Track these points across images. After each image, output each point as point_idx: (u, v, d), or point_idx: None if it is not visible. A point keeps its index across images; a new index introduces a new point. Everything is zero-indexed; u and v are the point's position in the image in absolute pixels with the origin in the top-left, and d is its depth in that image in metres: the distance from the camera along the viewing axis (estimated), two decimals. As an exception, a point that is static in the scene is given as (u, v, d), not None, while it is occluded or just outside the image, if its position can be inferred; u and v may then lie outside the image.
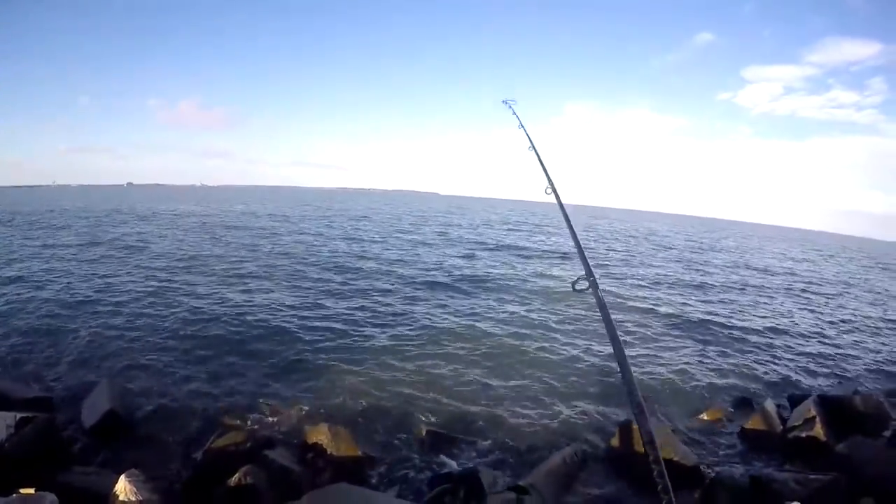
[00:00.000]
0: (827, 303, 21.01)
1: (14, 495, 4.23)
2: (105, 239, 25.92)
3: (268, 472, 5.80)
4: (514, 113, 5.35)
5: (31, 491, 4.33)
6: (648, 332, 13.85)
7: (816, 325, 16.91)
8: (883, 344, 15.59)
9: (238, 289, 15.80)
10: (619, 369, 2.00)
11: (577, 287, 2.50)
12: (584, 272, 2.59)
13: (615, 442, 7.62)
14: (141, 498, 4.76)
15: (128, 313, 12.88)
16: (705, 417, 9.28)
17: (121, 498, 4.75)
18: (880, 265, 46.89)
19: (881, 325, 18.29)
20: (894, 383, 11.95)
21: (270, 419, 7.89)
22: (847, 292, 24.80)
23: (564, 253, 25.57)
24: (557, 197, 3.78)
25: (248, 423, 7.69)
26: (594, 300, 2.42)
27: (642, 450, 5.64)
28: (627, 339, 12.75)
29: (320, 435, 6.80)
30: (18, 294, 14.29)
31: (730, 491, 6.33)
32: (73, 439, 6.96)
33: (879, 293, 25.95)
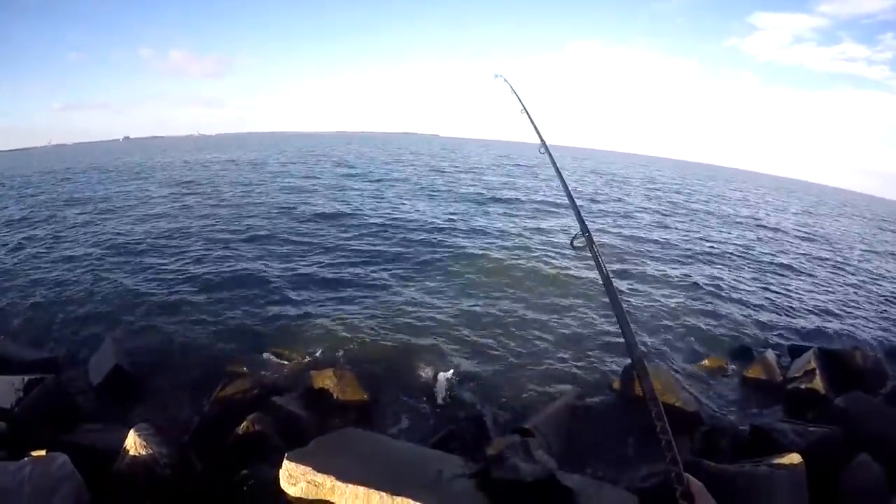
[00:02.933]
0: (829, 259, 20.85)
1: (25, 458, 4.24)
2: (97, 196, 25.27)
3: (275, 419, 5.90)
4: (506, 81, 5.74)
5: (43, 453, 4.35)
6: (648, 282, 13.88)
7: (818, 279, 16.96)
8: (884, 301, 15.67)
9: (236, 241, 15.51)
10: (618, 323, 1.99)
11: (576, 244, 2.55)
12: (580, 229, 2.63)
13: (617, 386, 7.84)
14: (151, 451, 4.79)
15: (128, 270, 12.79)
16: (707, 364, 9.43)
17: (131, 452, 4.78)
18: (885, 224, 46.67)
19: (882, 282, 18.34)
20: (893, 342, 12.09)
21: (276, 366, 8.03)
22: (851, 249, 24.57)
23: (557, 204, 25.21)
24: (551, 157, 3.83)
25: (255, 371, 7.77)
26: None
27: (638, 391, 5.73)
28: (626, 288, 12.78)
29: (326, 380, 6.92)
30: (17, 257, 14.24)
31: (730, 438, 6.48)
32: (82, 398, 7.01)
33: (881, 252, 25.89)
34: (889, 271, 20.36)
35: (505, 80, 5.78)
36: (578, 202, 3.32)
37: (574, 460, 6.05)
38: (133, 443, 4.83)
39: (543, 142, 4.28)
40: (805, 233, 27.07)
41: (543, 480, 5.09)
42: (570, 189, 3.21)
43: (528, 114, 4.95)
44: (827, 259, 20.66)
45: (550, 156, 3.93)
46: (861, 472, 5.45)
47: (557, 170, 3.71)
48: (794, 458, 5.15)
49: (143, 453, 4.77)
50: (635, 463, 6.18)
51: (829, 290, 15.77)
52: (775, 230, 26.08)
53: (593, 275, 12.94)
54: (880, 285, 17.61)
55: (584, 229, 2.52)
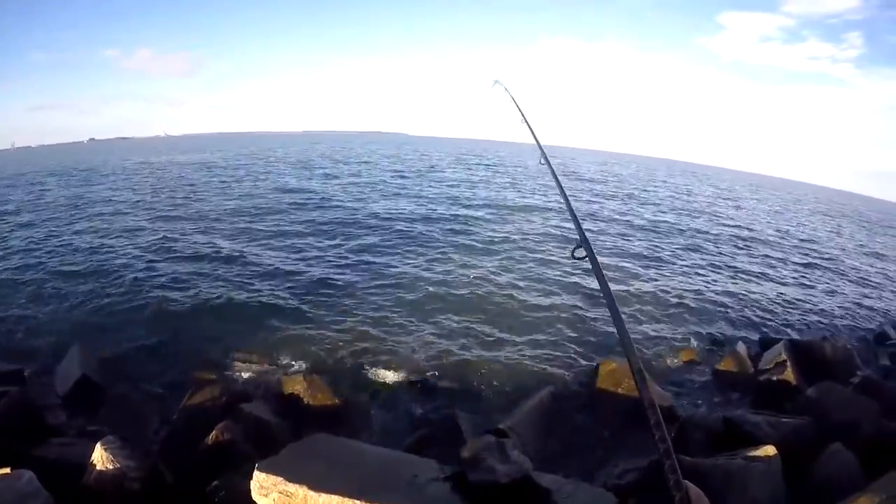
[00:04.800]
0: (797, 253, 21.14)
1: None
2: (56, 200, 24.21)
3: (245, 427, 5.71)
4: (506, 89, 5.62)
5: (7, 470, 4.16)
6: (621, 274, 13.97)
7: (787, 273, 17.26)
8: (852, 292, 16.05)
9: (201, 246, 14.85)
10: (618, 336, 1.91)
11: (577, 255, 2.51)
12: (580, 240, 2.57)
13: (593, 381, 7.73)
14: (119, 465, 4.64)
15: (92, 275, 12.35)
16: (680, 358, 9.50)
17: (98, 467, 4.63)
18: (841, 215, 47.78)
19: (850, 274, 18.79)
20: (862, 331, 12.33)
21: (246, 372, 7.81)
22: (820, 244, 24.97)
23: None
24: (551, 169, 3.76)
25: (224, 377, 7.56)
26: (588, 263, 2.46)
27: (618, 388, 5.75)
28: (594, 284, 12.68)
29: (296, 385, 6.73)
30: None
31: (703, 431, 6.49)
32: (48, 410, 6.65)
33: (848, 245, 26.42)
34: (856, 264, 20.87)
35: (505, 88, 5.66)
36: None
37: (551, 459, 6.00)
38: (100, 457, 4.68)
39: (543, 153, 4.19)
40: (776, 228, 27.47)
41: (519, 481, 5.03)
42: (569, 200, 3.14)
43: (528, 124, 4.84)
44: (796, 253, 21.05)
45: (550, 166, 3.88)
46: (834, 460, 5.50)
47: (557, 181, 3.62)
48: (769, 450, 5.16)
49: (111, 468, 4.62)
50: (612, 459, 6.16)
51: (798, 282, 16.14)
52: (746, 226, 26.44)
53: (567, 274, 12.97)
54: (848, 277, 18.03)
55: (584, 240, 2.50)
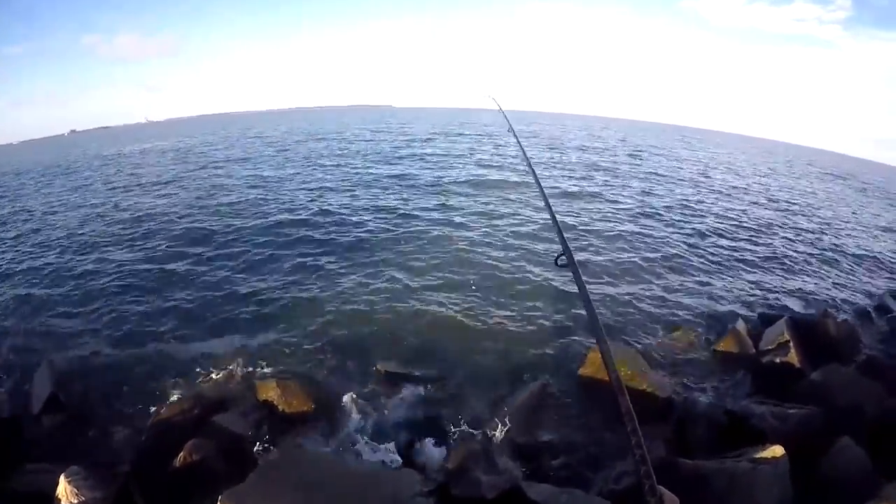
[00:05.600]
0: (788, 222, 20.62)
1: None
2: (25, 205, 21.95)
3: (216, 443, 5.34)
4: (497, 102, 7.14)
5: None
6: (611, 254, 13.41)
7: (783, 242, 16.77)
8: (849, 261, 15.69)
9: (168, 247, 13.77)
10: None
11: (560, 263, 2.59)
12: (563, 249, 2.64)
13: (583, 371, 7.41)
14: (84, 498, 4.47)
15: (52, 283, 11.67)
16: (676, 338, 9.10)
17: (63, 502, 4.48)
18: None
19: (846, 242, 18.37)
20: (861, 302, 12.00)
21: (217, 378, 7.32)
22: (814, 210, 24.30)
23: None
24: (536, 178, 3.82)
25: (195, 386, 7.13)
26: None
27: (607, 375, 5.40)
28: (588, 265, 12.12)
29: (269, 391, 6.39)
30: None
31: (706, 426, 6.17)
32: (18, 432, 6.30)
33: (838, 213, 25.94)
34: (851, 232, 20.41)
35: (496, 101, 7.26)
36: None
37: (541, 463, 5.65)
38: (64, 491, 4.54)
39: (528, 161, 4.46)
40: (769, 195, 26.61)
41: (508, 494, 4.69)
42: (553, 210, 3.22)
43: (514, 133, 5.34)
44: (790, 221, 20.55)
45: (535, 175, 3.95)
46: (843, 457, 5.17)
47: (542, 190, 3.69)
48: (777, 450, 4.82)
49: (75, 502, 4.48)
50: (608, 459, 5.79)
51: (794, 252, 15.58)
52: (737, 191, 25.93)
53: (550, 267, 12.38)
54: (844, 246, 17.61)
55: (567, 249, 2.60)
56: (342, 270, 11.56)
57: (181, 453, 5.08)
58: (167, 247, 13.69)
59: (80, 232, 16.06)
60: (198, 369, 7.59)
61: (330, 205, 17.36)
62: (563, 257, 2.59)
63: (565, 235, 2.73)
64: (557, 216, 3.12)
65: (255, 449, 5.58)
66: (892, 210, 29.17)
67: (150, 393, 6.97)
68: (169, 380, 7.30)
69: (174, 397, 6.52)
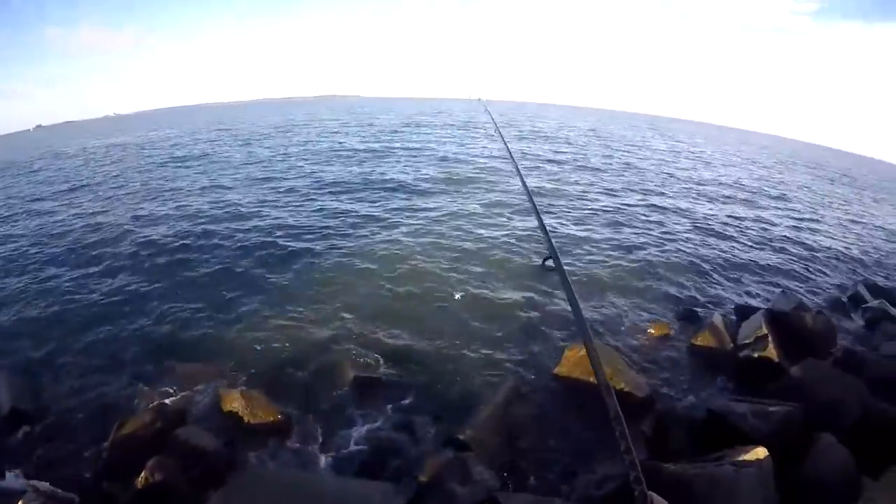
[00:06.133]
0: (759, 213, 20.53)
1: None
2: None
3: (179, 460, 5.02)
4: (486, 109, 6.88)
5: None
6: (580, 244, 13.36)
7: (755, 233, 16.82)
8: (822, 251, 15.81)
9: (126, 246, 13.06)
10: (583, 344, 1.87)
11: (547, 265, 2.53)
12: (549, 252, 2.56)
13: (559, 370, 7.22)
14: None
15: (9, 292, 10.81)
16: (652, 333, 8.99)
17: None
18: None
19: (819, 233, 18.51)
20: (836, 292, 12.07)
21: (180, 387, 6.97)
22: (788, 200, 24.36)
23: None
24: (523, 181, 3.74)
25: (156, 396, 6.76)
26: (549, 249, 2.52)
27: (591, 377, 5.22)
28: (566, 258, 12.00)
29: (234, 402, 6.08)
30: None
31: (686, 426, 6.01)
32: None
33: (814, 198, 26.21)
34: (822, 222, 20.61)
35: (485, 106, 7.09)
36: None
37: (519, 470, 5.44)
38: None
39: (517, 166, 4.34)
40: (740, 186, 26.57)
41: (483, 506, 4.48)
42: (540, 214, 3.11)
43: (503, 138, 5.13)
44: (762, 209, 20.71)
45: (523, 181, 3.81)
46: (826, 456, 5.05)
47: (529, 194, 3.52)
48: (760, 452, 4.68)
49: None
50: (588, 463, 5.60)
51: (767, 244, 15.62)
52: (708, 182, 25.98)
53: (530, 255, 12.18)
54: (818, 234, 17.82)
55: (554, 251, 2.55)
56: (307, 273, 11.05)
57: (143, 473, 4.75)
58: (125, 253, 12.76)
59: (37, 236, 14.99)
60: (160, 379, 7.22)
61: (294, 206, 16.70)
62: (550, 260, 2.54)
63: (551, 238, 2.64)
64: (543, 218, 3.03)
65: (219, 465, 5.24)
66: (861, 200, 29.64)
67: (111, 405, 6.62)
68: (130, 390, 6.96)
69: (136, 409, 6.14)
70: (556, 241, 10.99)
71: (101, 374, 7.53)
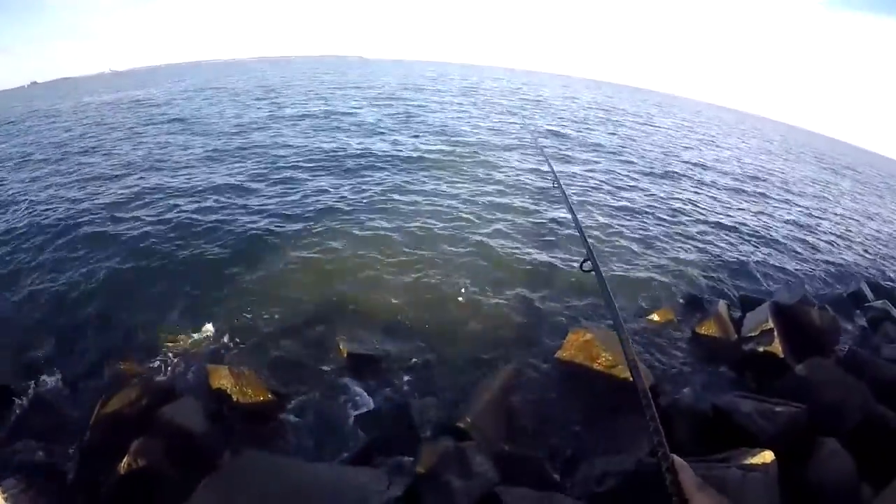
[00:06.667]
0: (772, 199, 20.40)
1: None
2: None
3: (165, 443, 4.80)
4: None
5: None
6: (589, 221, 13.09)
7: (762, 222, 16.61)
8: (825, 245, 15.66)
9: (101, 212, 12.21)
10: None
11: (585, 268, 2.67)
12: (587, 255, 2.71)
13: (561, 354, 7.02)
14: None
15: None
16: (656, 318, 8.86)
17: None
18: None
19: (821, 225, 18.28)
20: (838, 288, 11.96)
21: (165, 362, 6.76)
22: (793, 189, 24.27)
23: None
24: (562, 191, 3.89)
25: (142, 368, 6.55)
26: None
27: (594, 363, 5.98)
28: (563, 243, 11.57)
29: (222, 379, 5.85)
30: None
31: (690, 420, 5.90)
32: None
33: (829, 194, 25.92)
34: (825, 213, 20.46)
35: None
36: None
37: (519, 461, 5.30)
38: None
39: (556, 177, 4.51)
40: (744, 170, 26.16)
41: (483, 500, 4.36)
42: (577, 217, 3.31)
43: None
44: (767, 198, 20.43)
45: (562, 190, 4.01)
46: (830, 463, 4.97)
47: (569, 203, 3.78)
48: (767, 455, 4.56)
49: None
50: (590, 455, 5.47)
51: (770, 235, 15.34)
52: (713, 167, 25.58)
53: (537, 228, 11.96)
54: (820, 227, 17.65)
55: (591, 253, 2.66)
56: (299, 246, 10.47)
57: (126, 458, 4.53)
58: (108, 212, 12.23)
59: (21, 196, 14.21)
60: (144, 350, 7.00)
61: (288, 170, 15.98)
62: (588, 262, 2.65)
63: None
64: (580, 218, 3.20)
65: (207, 448, 5.09)
66: (865, 196, 29.40)
67: (94, 380, 6.39)
68: (114, 358, 6.69)
69: (120, 383, 5.87)
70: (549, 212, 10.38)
71: (79, 343, 7.31)
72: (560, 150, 21.97)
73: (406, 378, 6.74)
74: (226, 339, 7.26)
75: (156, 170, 16.20)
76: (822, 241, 16.05)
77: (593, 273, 2.57)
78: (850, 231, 18.60)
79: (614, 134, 30.45)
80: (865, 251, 16.15)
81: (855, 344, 8.56)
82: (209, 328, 7.50)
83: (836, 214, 21.10)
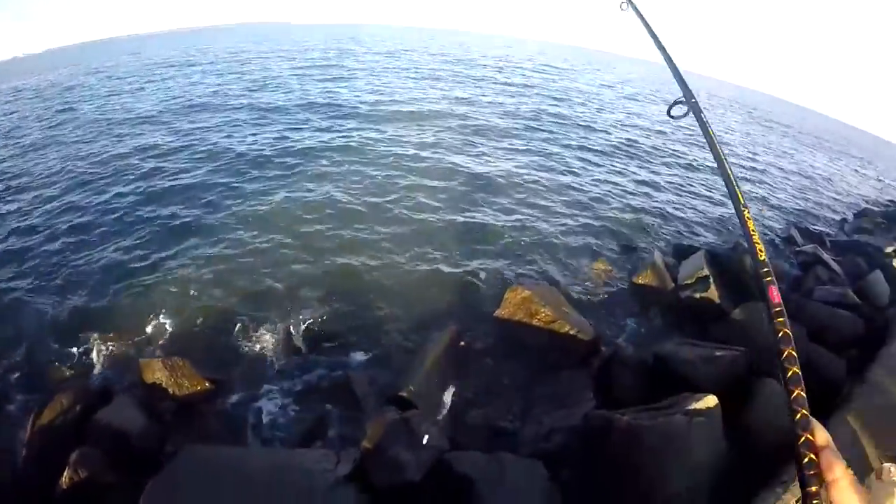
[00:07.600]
0: (698, 155, 20.40)
1: None
2: None
3: (105, 449, 4.41)
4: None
5: None
6: (514, 183, 12.75)
7: (688, 177, 16.71)
8: (757, 194, 16.12)
9: (22, 206, 10.77)
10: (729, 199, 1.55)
11: (674, 113, 2.14)
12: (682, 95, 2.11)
13: (500, 312, 6.88)
14: None
15: None
16: (593, 270, 8.95)
17: None
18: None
19: (754, 177, 18.76)
20: (770, 234, 12.36)
21: (95, 363, 6.21)
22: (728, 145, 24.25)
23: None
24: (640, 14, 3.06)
25: (69, 376, 5.97)
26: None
27: (533, 319, 5.85)
28: (497, 201, 11.41)
29: (156, 372, 5.43)
30: None
31: (633, 370, 5.92)
32: None
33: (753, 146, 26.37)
34: (761, 165, 21.03)
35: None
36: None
37: (465, 425, 5.22)
38: None
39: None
40: (674, 126, 26.07)
41: (433, 469, 4.24)
42: (663, 45, 2.69)
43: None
44: (698, 152, 20.68)
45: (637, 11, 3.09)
46: (770, 403, 5.05)
47: (648, 26, 2.98)
48: (710, 400, 4.60)
49: None
50: (535, 413, 5.45)
51: (704, 185, 15.73)
52: (643, 119, 25.73)
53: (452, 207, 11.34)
54: (752, 179, 18.14)
55: (689, 95, 2.07)
56: (227, 224, 9.73)
57: (66, 471, 4.14)
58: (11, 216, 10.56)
59: None
60: (72, 355, 6.36)
61: (212, 147, 14.41)
62: (679, 106, 2.12)
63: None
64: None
65: (149, 449, 4.73)
66: (798, 147, 30.39)
67: (20, 393, 5.76)
68: (37, 373, 6.04)
69: (53, 389, 5.30)
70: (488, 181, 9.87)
71: (9, 344, 6.59)
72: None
73: (346, 352, 6.47)
74: (153, 330, 6.73)
75: (59, 155, 14.43)
76: (753, 191, 16.54)
77: (684, 118, 2.15)
78: (778, 180, 19.29)
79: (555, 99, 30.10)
80: (794, 199, 16.81)
81: (788, 287, 8.86)
82: (137, 321, 6.90)
83: (765, 165, 21.80)
